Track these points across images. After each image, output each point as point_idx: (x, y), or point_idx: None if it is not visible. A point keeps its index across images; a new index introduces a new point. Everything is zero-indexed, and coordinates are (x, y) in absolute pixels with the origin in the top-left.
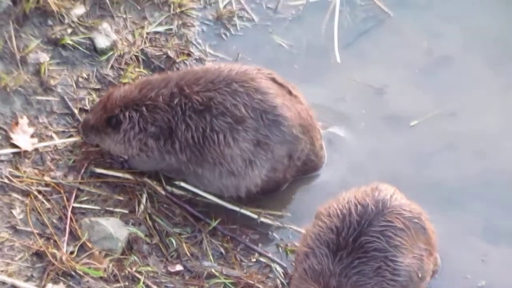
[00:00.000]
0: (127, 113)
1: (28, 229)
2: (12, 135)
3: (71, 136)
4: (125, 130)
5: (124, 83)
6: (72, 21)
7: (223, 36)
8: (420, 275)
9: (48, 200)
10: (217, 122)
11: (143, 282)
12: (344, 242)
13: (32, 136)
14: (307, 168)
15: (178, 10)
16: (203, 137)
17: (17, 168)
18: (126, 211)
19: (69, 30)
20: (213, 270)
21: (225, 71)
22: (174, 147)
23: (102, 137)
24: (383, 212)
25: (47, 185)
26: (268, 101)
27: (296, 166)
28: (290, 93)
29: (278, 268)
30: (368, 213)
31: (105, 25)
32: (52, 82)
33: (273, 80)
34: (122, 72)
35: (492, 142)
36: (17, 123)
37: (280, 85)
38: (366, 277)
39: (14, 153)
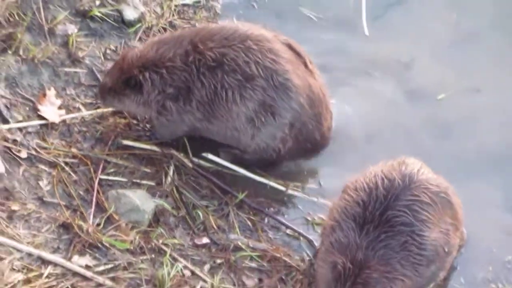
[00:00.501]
0: (147, 74)
1: (55, 200)
2: (39, 107)
3: (98, 107)
4: (147, 91)
5: None
6: None
7: (251, 7)
8: (446, 250)
9: (75, 172)
10: (228, 79)
11: (170, 255)
12: (371, 216)
13: (59, 108)
14: (308, 148)
15: None
16: (214, 94)
17: (44, 140)
18: (153, 183)
19: (97, 2)
20: (239, 243)
21: (241, 29)
22: (192, 106)
23: (121, 99)
24: (409, 186)
25: (74, 156)
26: (281, 63)
27: (297, 140)
28: (305, 65)
29: (305, 241)
30: (394, 187)
31: None
32: (80, 53)
33: (289, 46)
34: None
35: None
36: (44, 95)
37: (297, 54)
38: (392, 251)
39: (41, 125)
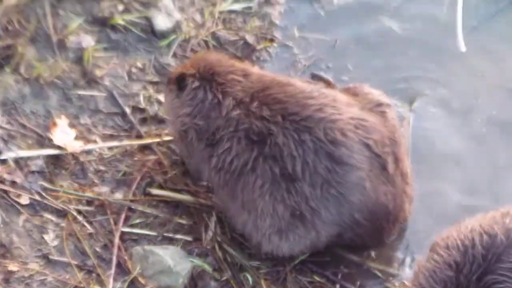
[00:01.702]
0: (196, 84)
1: (65, 259)
2: (52, 135)
3: (121, 142)
4: (182, 101)
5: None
6: None
7: (317, 16)
8: None
9: (90, 223)
10: (262, 164)
11: None
12: (466, 282)
13: (76, 139)
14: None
15: None
16: (237, 170)
17: (51, 181)
18: (190, 238)
19: (121, 7)
20: None
21: (312, 103)
22: (211, 160)
23: (166, 92)
24: None
25: (89, 203)
26: (342, 174)
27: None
28: (383, 167)
29: None
30: (496, 245)
31: (166, 1)
32: (98, 72)
33: (367, 146)
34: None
35: None
36: (55, 124)
37: (375, 154)
38: None
39: (48, 162)
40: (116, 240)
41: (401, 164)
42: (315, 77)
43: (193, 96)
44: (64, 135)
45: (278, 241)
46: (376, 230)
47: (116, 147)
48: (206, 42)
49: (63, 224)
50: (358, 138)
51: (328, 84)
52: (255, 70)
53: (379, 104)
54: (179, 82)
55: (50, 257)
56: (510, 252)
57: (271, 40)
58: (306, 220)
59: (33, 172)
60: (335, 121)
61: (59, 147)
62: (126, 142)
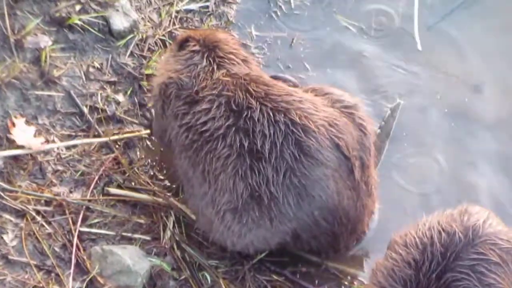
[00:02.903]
0: (196, 47)
1: (24, 259)
2: (12, 136)
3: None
4: (178, 56)
5: (147, 75)
6: None
7: (274, 15)
8: None
9: (48, 223)
10: (233, 135)
11: None
12: (426, 280)
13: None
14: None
15: None
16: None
17: (9, 182)
18: (148, 238)
19: (78, 7)
20: None
21: (295, 95)
22: (185, 117)
23: (167, 50)
24: (473, 242)
25: (47, 203)
26: (308, 166)
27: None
28: (351, 171)
29: None
30: (455, 243)
31: (123, 1)
32: (56, 73)
33: (337, 146)
34: (144, 61)
35: None
36: (13, 124)
37: (344, 156)
38: None
39: (6, 162)
40: (75, 240)
41: (368, 172)
42: (277, 79)
43: (189, 57)
44: (25, 135)
45: (231, 220)
46: (334, 235)
47: (74, 146)
48: (163, 41)
49: (22, 224)
50: (329, 136)
51: (293, 85)
52: (255, 63)
53: (347, 106)
54: (181, 44)
55: (9, 257)
56: (469, 250)
57: None
58: (263, 204)
59: None
60: (311, 114)
61: (18, 147)
62: (84, 142)
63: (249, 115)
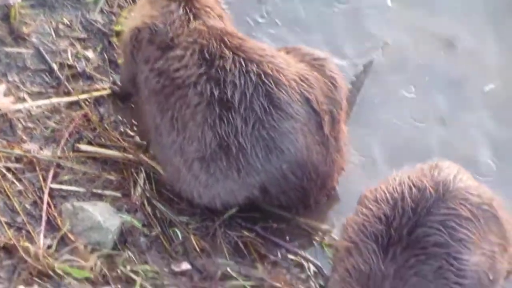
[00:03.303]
0: None
1: None
2: None
3: (49, 97)
4: (154, 2)
5: (117, 32)
6: None
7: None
8: (491, 277)
9: (19, 180)
10: (204, 84)
11: (140, 285)
12: (397, 235)
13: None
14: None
15: None
16: (181, 82)
17: None
18: (119, 194)
19: None
20: (228, 270)
21: (268, 50)
22: (157, 62)
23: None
24: (444, 197)
25: (18, 160)
26: (277, 119)
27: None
28: (320, 125)
29: (312, 268)
30: (425, 198)
31: None
32: (25, 29)
33: (307, 100)
34: (114, 18)
35: None
36: None
37: (314, 110)
38: (426, 279)
39: None
40: (46, 197)
41: (338, 127)
42: None
43: (166, 5)
44: None
45: (198, 170)
46: (303, 190)
47: (44, 103)
48: None
49: None
50: (299, 90)
51: None
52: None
53: (316, 59)
54: None
55: None
56: (440, 205)
57: None
58: (231, 154)
59: None
60: (283, 68)
61: None
62: (54, 99)
63: (221, 65)
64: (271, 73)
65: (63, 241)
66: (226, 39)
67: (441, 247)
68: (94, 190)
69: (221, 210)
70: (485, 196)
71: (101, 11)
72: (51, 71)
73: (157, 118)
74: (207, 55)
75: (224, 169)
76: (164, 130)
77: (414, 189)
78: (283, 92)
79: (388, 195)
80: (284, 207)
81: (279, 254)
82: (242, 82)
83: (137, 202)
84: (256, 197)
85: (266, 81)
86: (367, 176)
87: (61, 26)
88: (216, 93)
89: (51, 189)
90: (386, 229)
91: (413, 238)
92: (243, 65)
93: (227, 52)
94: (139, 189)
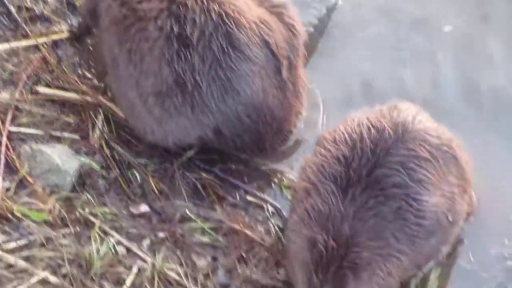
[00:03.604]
0: None
1: None
2: None
3: (6, 41)
4: None
5: None
6: None
7: None
8: (450, 218)
9: None
10: (164, 19)
11: (99, 227)
12: (356, 176)
13: None
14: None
15: None
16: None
17: None
18: (77, 137)
19: None
20: (187, 212)
21: None
22: (111, 7)
23: None
24: (403, 138)
25: None
26: (235, 59)
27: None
28: (278, 70)
29: (271, 209)
30: (384, 139)
31: None
32: None
33: (267, 44)
34: None
35: None
36: None
37: (272, 54)
38: (385, 220)
39: None
40: (4, 140)
41: (296, 72)
42: None
43: None
44: None
45: (153, 104)
46: (258, 134)
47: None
48: None
49: None
50: (259, 33)
51: None
52: None
53: (275, 5)
54: None
55: None
56: (399, 146)
57: None
58: (187, 91)
59: None
60: (244, 11)
61: None
62: (12, 42)
63: (183, 2)
64: (232, 14)
65: (21, 183)
66: None
67: (400, 188)
68: (53, 133)
69: (178, 151)
70: (444, 137)
71: None
72: (9, 13)
73: (115, 49)
74: None
75: (178, 105)
76: (121, 62)
77: (373, 130)
78: (243, 33)
79: (346, 136)
80: (240, 150)
81: (237, 196)
82: (203, 20)
83: (95, 145)
84: (210, 138)
85: (226, 21)
86: (326, 118)
87: None
88: (175, 29)
89: (9, 132)
90: (345, 170)
91: (372, 179)
92: (205, 3)
93: None
94: (97, 131)
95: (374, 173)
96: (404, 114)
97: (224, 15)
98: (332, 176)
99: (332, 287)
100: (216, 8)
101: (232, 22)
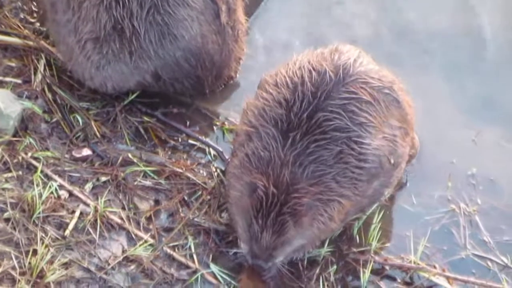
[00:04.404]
0: None
1: None
2: None
3: None
4: None
5: None
6: None
7: None
8: (392, 161)
9: None
10: None
11: (41, 171)
12: (297, 120)
13: None
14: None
15: None
16: None
17: None
18: (19, 81)
19: None
20: (129, 156)
21: None
22: None
23: None
24: (344, 81)
25: None
26: (172, 5)
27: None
28: (217, 15)
29: (213, 152)
30: (325, 82)
31: None
32: None
33: None
34: None
35: None
36: None
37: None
38: (325, 165)
39: None
40: None
41: (235, 16)
42: None
43: None
44: None
45: (91, 50)
46: (197, 79)
47: None
48: None
49: None
50: None
51: None
52: None
53: None
54: None
55: None
56: (340, 89)
57: None
58: (125, 36)
59: None
60: None
61: None
62: None
63: None
64: None
65: None
66: None
67: (341, 132)
68: None
69: (120, 96)
70: (386, 80)
71: None
72: None
73: None
74: None
75: (116, 51)
76: (60, 7)
77: (314, 73)
78: None
79: (288, 79)
80: (180, 94)
81: (179, 139)
82: None
83: (37, 89)
84: (149, 83)
85: None
86: (266, 62)
87: None
88: None
89: None
90: (286, 114)
91: (313, 123)
92: None
93: None
94: (39, 76)
95: (315, 117)
96: (345, 57)
97: None
98: (273, 119)
99: (272, 233)
100: None
101: None
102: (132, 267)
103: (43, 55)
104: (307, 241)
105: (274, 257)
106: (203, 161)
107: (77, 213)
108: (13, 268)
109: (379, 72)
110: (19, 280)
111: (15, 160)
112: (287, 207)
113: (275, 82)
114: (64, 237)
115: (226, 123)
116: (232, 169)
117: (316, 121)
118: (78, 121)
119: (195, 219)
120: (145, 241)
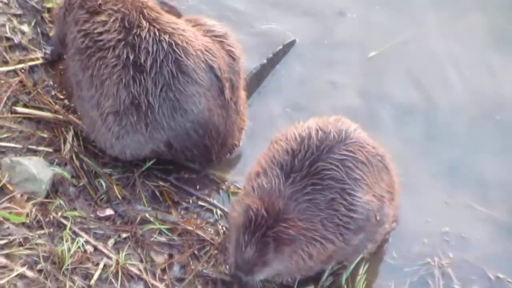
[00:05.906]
0: None
1: None
2: None
3: None
4: None
5: (49, 8)
6: None
7: None
8: (378, 218)
9: None
10: (121, 48)
11: (70, 229)
12: (299, 165)
13: None
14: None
15: None
16: (102, 45)
17: None
18: (51, 150)
19: None
20: (146, 215)
21: (180, 24)
22: (85, 24)
23: None
24: (345, 142)
25: None
26: (183, 83)
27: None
28: (221, 91)
29: (219, 212)
30: (329, 139)
31: None
32: None
33: (211, 68)
34: None
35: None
36: None
37: (216, 77)
38: (317, 207)
39: None
40: None
41: (237, 93)
42: (163, 4)
43: None
44: None
45: (112, 122)
46: (205, 147)
47: None
48: None
49: None
50: (205, 59)
51: (176, 13)
52: None
53: (217, 35)
54: None
55: None
56: (341, 146)
57: None
58: (141, 110)
59: None
60: (191, 40)
61: None
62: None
63: (137, 33)
64: (181, 43)
65: (2, 191)
66: (145, 11)
67: (337, 182)
68: (29, 146)
69: (139, 163)
70: (379, 150)
71: None
72: None
73: (79, 74)
74: (126, 23)
75: (134, 123)
76: (84, 85)
77: (320, 131)
78: (191, 60)
79: (297, 134)
80: (191, 161)
81: (190, 201)
82: (155, 49)
83: (66, 157)
84: (163, 151)
85: (176, 50)
86: (270, 132)
87: (0, 4)
88: (131, 57)
89: None
90: (291, 159)
91: (313, 169)
92: (157, 35)
93: (144, 22)
94: (68, 145)
95: (316, 165)
96: (347, 125)
97: (173, 44)
98: (279, 163)
99: (254, 251)
100: (166, 38)
101: (181, 50)
102: None
103: (71, 127)
104: (285, 270)
105: (253, 272)
106: (211, 220)
107: (101, 265)
108: None
109: (374, 143)
110: None
111: (47, 219)
112: (272, 231)
113: (285, 137)
114: (89, 287)
115: (231, 187)
116: (238, 197)
117: (316, 168)
118: (102, 185)
119: (204, 271)
120: None
